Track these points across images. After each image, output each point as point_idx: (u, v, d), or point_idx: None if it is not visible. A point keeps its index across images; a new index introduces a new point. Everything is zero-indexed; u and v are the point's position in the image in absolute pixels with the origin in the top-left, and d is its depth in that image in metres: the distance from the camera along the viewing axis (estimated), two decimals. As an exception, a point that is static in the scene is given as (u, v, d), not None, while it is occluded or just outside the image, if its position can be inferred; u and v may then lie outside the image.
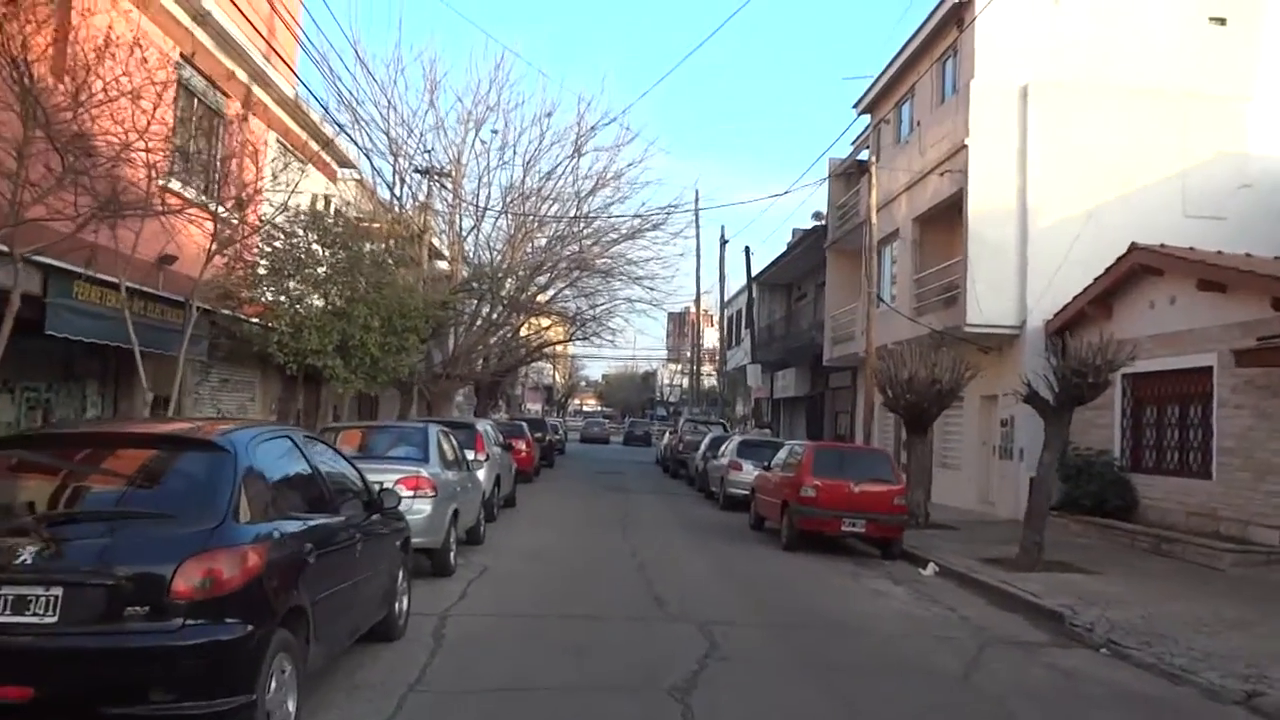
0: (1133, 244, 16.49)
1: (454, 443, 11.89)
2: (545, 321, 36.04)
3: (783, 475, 15.23)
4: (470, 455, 15.14)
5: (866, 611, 9.95)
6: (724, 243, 43.71)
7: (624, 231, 26.27)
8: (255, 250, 13.43)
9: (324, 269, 13.02)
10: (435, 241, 25.22)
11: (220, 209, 13.37)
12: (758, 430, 32.17)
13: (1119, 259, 16.83)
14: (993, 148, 19.93)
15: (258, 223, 13.37)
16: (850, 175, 31.48)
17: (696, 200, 42.05)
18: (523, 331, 35.98)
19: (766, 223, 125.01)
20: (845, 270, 31.27)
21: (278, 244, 12.91)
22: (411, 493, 9.63)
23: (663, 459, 36.52)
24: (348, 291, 13.00)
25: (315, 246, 13.25)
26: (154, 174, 10.67)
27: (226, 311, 13.26)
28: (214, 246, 10.56)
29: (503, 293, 23.56)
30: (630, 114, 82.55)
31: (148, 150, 9.85)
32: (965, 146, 20.10)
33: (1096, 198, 19.44)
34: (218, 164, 14.54)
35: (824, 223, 33.32)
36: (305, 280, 13.00)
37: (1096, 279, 17.55)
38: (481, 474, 15.25)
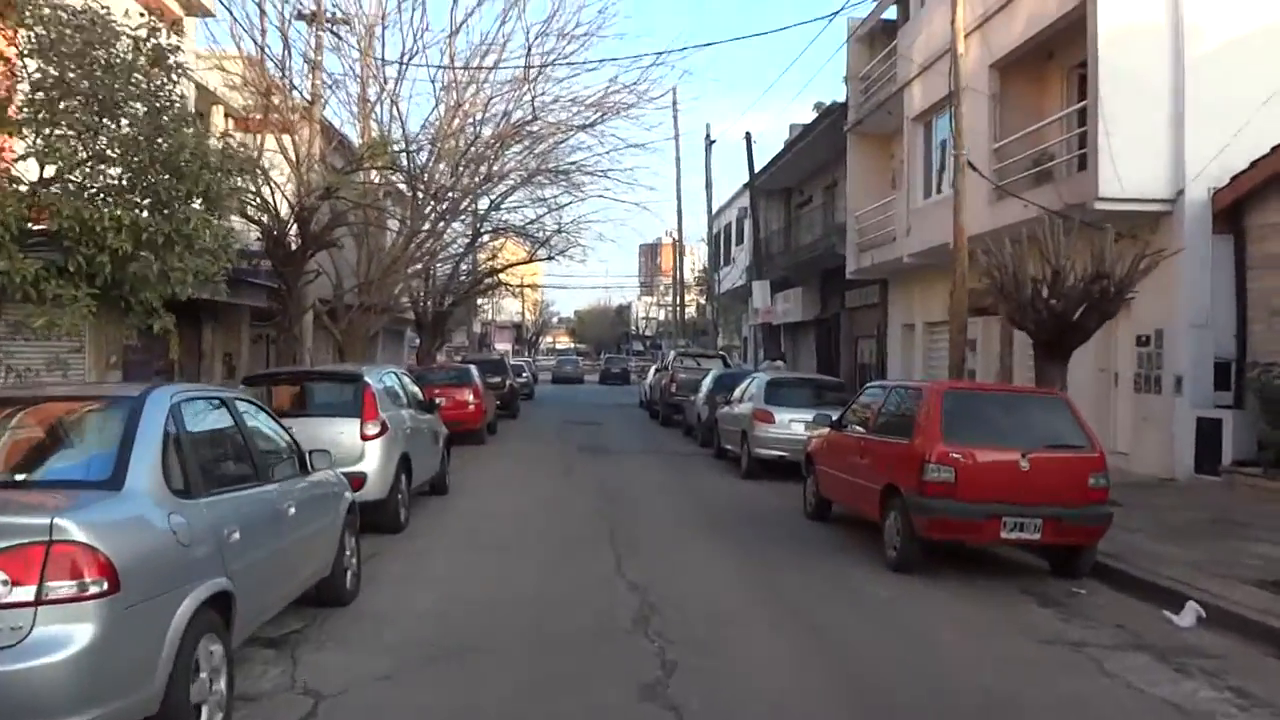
0: None
1: (250, 429, 5.57)
2: (500, 242, 29.62)
3: (877, 440, 9.12)
4: (347, 430, 9.03)
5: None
6: (710, 143, 37.10)
7: (587, 102, 19.54)
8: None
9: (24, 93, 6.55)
10: (343, 126, 18.55)
11: None
12: (770, 364, 26.08)
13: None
14: (1131, -63, 13.56)
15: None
16: (875, 37, 24.96)
17: (675, 100, 34.93)
18: (480, 257, 29.58)
19: (762, 119, 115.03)
20: (872, 159, 24.98)
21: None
22: (31, 592, 3.41)
23: (649, 401, 30.53)
24: (69, 132, 6.57)
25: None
26: None
27: None
28: None
29: (426, 180, 16.92)
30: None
31: None
32: (1091, -63, 13.67)
33: (1285, 7, 13.21)
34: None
35: (829, 106, 26.92)
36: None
37: (1324, 114, 11.44)
38: (371, 462, 9.18)
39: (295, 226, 13.21)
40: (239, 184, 7.78)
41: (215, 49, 17.32)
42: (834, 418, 10.57)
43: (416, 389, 12.06)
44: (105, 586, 3.55)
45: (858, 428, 9.82)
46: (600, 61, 28.73)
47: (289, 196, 13.51)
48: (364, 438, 9.32)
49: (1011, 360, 18.19)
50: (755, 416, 14.47)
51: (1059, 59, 16.42)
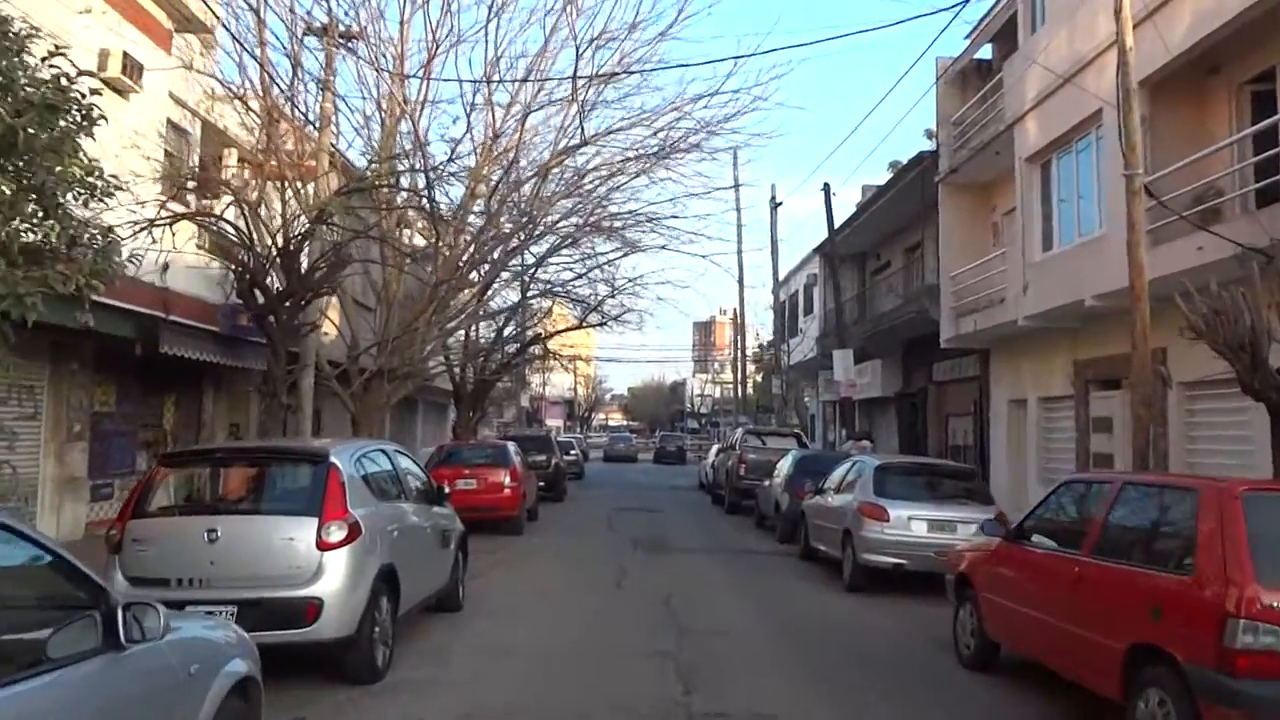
0: None
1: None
2: (548, 306, 26.99)
3: (1105, 566, 5.86)
4: (299, 534, 6.12)
5: None
6: (775, 205, 34.33)
7: (652, 127, 16.77)
8: None
9: None
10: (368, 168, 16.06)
11: None
12: (854, 444, 22.77)
13: None
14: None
15: None
16: (968, 78, 22.16)
17: (735, 163, 31.75)
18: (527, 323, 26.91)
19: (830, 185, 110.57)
20: (969, 211, 21.90)
21: None
22: None
23: (711, 484, 27.39)
24: None
25: None
26: None
27: None
28: None
29: (456, 220, 14.24)
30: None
31: None
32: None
33: None
34: None
35: (916, 156, 24.03)
36: None
37: None
38: (331, 582, 6.22)
39: (280, 262, 10.54)
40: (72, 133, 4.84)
41: (225, 81, 15.01)
42: (1003, 525, 7.33)
43: (420, 472, 9.08)
44: None
45: (1050, 541, 6.58)
46: (659, 68, 22.64)
47: (269, 228, 10.88)
48: (322, 545, 6.34)
49: (1167, 444, 14.74)
50: (863, 512, 11.21)
51: (1226, 74, 13.40)
